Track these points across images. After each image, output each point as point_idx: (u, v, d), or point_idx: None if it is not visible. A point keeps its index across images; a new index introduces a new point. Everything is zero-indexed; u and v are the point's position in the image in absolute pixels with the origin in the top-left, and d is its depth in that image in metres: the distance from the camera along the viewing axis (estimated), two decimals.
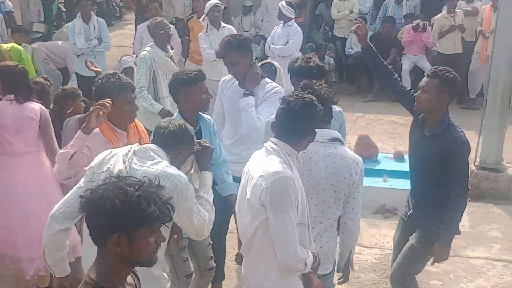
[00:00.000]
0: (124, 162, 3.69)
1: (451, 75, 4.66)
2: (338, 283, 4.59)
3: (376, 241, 6.90)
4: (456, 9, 12.05)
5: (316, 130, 3.81)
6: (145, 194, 2.54)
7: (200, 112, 4.94)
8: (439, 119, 4.69)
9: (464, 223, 7.25)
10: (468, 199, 7.74)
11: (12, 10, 12.69)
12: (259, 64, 6.30)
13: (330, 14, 13.73)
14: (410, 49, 12.50)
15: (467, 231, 7.09)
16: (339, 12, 13.47)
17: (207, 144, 4.22)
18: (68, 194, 3.78)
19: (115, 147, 3.99)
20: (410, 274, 5.05)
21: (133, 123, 4.62)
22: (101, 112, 4.31)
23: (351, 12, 13.34)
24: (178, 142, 3.90)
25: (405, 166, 5.18)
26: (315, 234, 4.03)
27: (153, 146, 3.86)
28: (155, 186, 2.61)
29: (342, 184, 4.10)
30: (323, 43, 13.43)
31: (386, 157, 8.62)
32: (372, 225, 7.26)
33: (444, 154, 4.64)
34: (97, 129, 4.39)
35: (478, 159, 8.26)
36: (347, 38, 13.39)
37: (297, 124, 3.72)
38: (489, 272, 6.33)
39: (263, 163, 3.70)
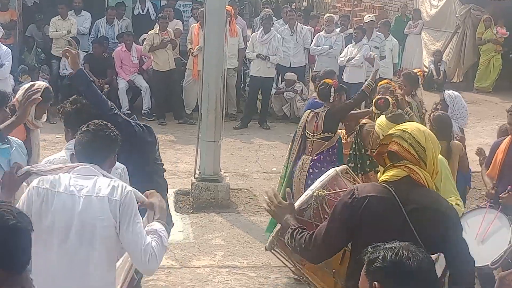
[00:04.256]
0: None
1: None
2: None
3: None
4: (168, 28, 12.39)
5: None
6: None
7: None
8: None
9: (189, 234, 7.48)
10: (191, 211, 8.12)
11: None
12: None
13: (42, 35, 13.39)
14: (124, 70, 12.64)
15: (191, 241, 7.31)
16: (57, 31, 13.10)
17: None
18: None
19: None
20: None
21: None
22: None
23: (69, 32, 13.04)
24: None
25: None
26: None
27: None
28: None
29: None
30: (36, 65, 13.01)
31: None
32: None
33: None
34: None
35: (197, 171, 8.55)
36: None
37: None
38: (215, 279, 6.57)
39: (101, 182, 3.54)
